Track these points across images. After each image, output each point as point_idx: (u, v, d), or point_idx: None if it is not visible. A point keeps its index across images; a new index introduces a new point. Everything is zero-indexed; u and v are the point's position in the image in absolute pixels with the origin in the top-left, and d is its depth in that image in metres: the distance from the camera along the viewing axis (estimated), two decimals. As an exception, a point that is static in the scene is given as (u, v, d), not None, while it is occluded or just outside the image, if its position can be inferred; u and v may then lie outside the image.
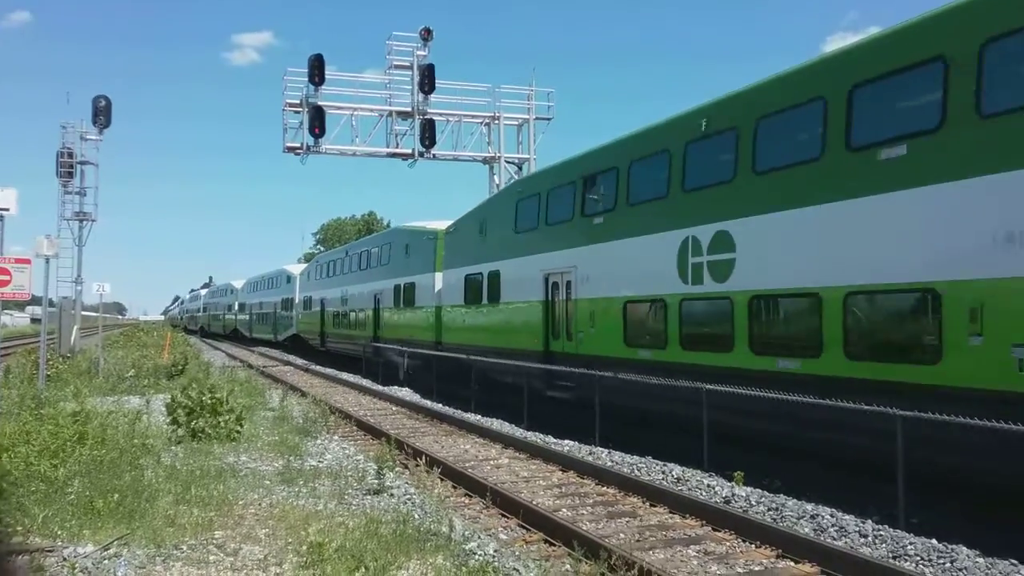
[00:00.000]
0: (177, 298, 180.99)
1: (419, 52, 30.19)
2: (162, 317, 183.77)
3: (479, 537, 8.51)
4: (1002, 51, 8.98)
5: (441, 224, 26.82)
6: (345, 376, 31.36)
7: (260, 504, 9.38)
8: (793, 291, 11.66)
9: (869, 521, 9.31)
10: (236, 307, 73.14)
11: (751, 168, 12.38)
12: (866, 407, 9.65)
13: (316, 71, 28.79)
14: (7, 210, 15.10)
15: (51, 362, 23.14)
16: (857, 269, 10.51)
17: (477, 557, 7.60)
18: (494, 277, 21.43)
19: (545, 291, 18.60)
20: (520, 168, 32.05)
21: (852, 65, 10.95)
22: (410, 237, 29.64)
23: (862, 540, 8.83)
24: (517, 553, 8.25)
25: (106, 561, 7.04)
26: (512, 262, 20.48)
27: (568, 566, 7.66)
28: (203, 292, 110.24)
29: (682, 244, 13.82)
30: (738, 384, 11.78)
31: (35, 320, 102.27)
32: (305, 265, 50.26)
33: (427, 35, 30.12)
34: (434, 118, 30.63)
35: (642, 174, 15.34)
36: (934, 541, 8.49)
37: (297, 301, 48.43)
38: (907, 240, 9.85)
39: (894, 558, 8.24)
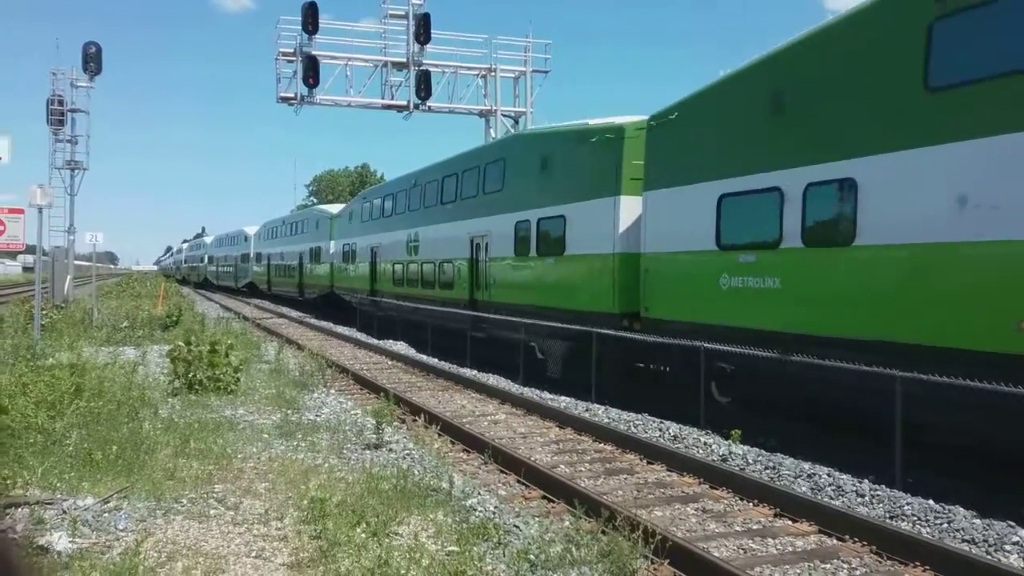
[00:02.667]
0: (170, 248, 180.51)
1: (414, 1, 29.66)
2: (155, 267, 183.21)
3: (479, 493, 8.54)
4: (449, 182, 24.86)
5: (338, 208, 42.77)
6: (340, 330, 31.35)
7: (259, 458, 9.38)
8: (431, 260, 25.52)
9: (866, 481, 9.36)
10: (207, 259, 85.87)
11: (423, 205, 26.73)
12: (865, 368, 9.69)
13: (310, 20, 28.29)
14: (0, 159, 14.88)
15: (45, 312, 23.02)
16: (441, 251, 24.65)
17: (478, 513, 7.63)
18: (353, 247, 35.25)
19: (371, 257, 32.33)
20: (516, 121, 31.70)
21: (418, 178, 27.64)
22: (318, 215, 43.87)
23: (859, 500, 8.89)
24: (517, 510, 8.28)
25: (106, 514, 7.03)
26: (360, 238, 34.34)
27: (568, 523, 7.68)
28: (185, 246, 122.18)
29: (407, 236, 27.83)
30: (416, 302, 25.96)
31: (27, 269, 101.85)
32: (257, 227, 61.31)
33: (423, -17, 29.58)
34: (430, 69, 30.22)
35: (397, 201, 29.76)
36: (931, 501, 8.54)
37: (251, 256, 60.64)
38: (449, 240, 23.81)
39: (891, 518, 8.30)
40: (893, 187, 9.90)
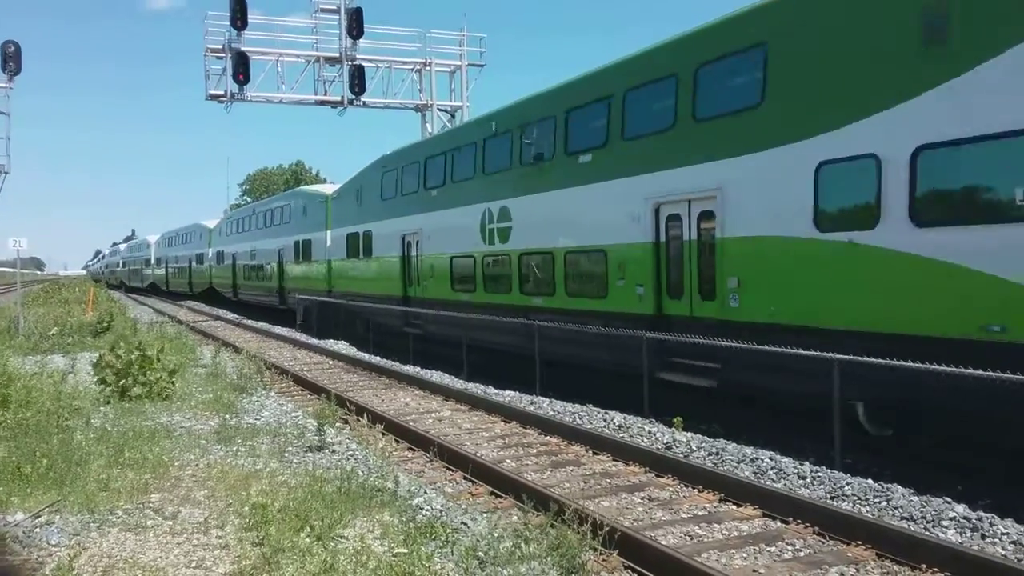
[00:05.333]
0: (98, 252, 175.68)
1: (346, -5, 29.20)
2: (83, 272, 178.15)
3: (425, 492, 8.45)
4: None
5: (214, 222, 55.61)
6: (278, 330, 30.86)
7: (197, 465, 9.13)
8: (261, 263, 39.35)
9: (807, 463, 9.51)
10: (121, 264, 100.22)
11: (255, 227, 41.29)
12: (804, 352, 9.84)
13: (238, 15, 27.61)
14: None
15: (-33, 321, 22.14)
16: (266, 258, 38.47)
17: (424, 512, 7.53)
18: (223, 253, 48.04)
19: (232, 261, 44.86)
20: (453, 116, 31.54)
21: (255, 207, 45.44)
22: (200, 228, 56.30)
23: (801, 482, 9.03)
24: (464, 507, 8.21)
25: (38, 529, 6.76)
26: (226, 247, 47.07)
27: (516, 517, 7.64)
28: (106, 252, 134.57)
29: (249, 247, 41.37)
30: (262, 293, 39.74)
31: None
32: (158, 236, 75.40)
33: (355, -24, 29.13)
34: (363, 64, 29.79)
35: (244, 222, 44.01)
36: (870, 481, 8.72)
37: (153, 260, 75.21)
38: (269, 251, 37.93)
39: (832, 498, 8.45)
40: (381, 234, 24.34)
